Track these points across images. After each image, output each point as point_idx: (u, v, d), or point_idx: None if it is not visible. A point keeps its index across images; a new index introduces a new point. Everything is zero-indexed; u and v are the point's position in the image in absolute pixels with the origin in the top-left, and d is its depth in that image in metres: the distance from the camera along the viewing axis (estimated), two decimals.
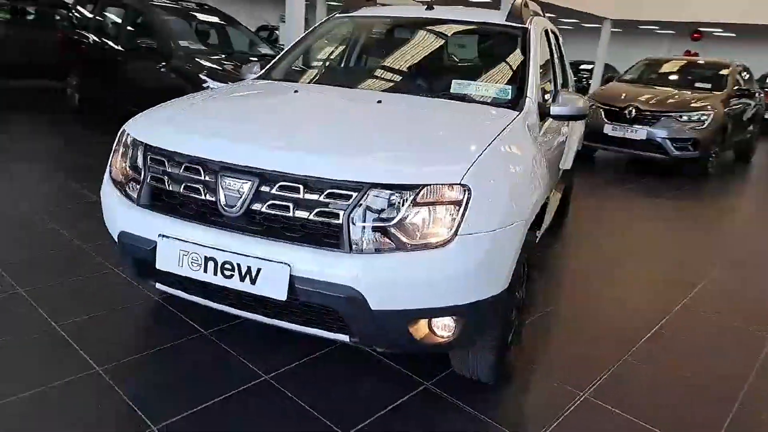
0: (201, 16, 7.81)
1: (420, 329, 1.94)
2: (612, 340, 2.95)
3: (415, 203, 1.83)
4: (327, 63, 3.56)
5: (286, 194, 1.88)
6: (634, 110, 7.46)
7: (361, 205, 1.82)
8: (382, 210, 1.83)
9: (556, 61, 3.61)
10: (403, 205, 1.82)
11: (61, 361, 2.30)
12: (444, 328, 1.97)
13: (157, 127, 2.25)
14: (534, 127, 2.64)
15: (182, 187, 2.03)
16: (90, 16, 7.95)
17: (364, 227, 1.82)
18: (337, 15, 3.61)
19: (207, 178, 1.98)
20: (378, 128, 2.23)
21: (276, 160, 1.90)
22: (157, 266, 2.00)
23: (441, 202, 1.84)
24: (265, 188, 1.90)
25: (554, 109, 2.75)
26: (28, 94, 9.12)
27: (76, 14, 8.31)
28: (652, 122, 7.38)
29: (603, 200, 6.28)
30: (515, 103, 2.69)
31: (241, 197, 1.91)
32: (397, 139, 2.12)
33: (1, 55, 8.45)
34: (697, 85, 8.36)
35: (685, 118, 7.40)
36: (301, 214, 1.87)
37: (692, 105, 7.56)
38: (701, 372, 2.72)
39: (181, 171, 2.03)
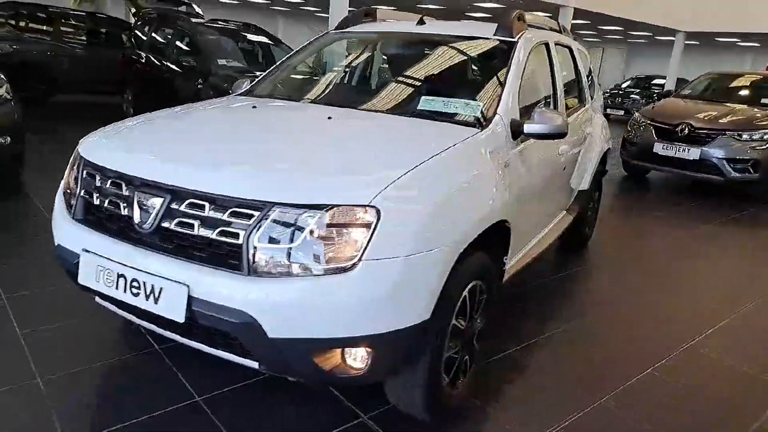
0: (246, 36, 8.07)
1: (329, 360, 1.82)
2: (596, 379, 2.69)
3: (319, 225, 1.73)
4: (305, 79, 3.52)
5: (193, 212, 1.83)
6: (686, 128, 6.95)
7: (263, 225, 1.75)
8: (285, 231, 1.74)
9: (558, 77, 3.38)
10: (306, 227, 1.73)
11: (6, 369, 2.36)
12: (358, 359, 1.85)
13: (96, 142, 2.28)
14: (501, 146, 2.46)
15: (106, 201, 2.03)
16: (145, 37, 8.42)
17: (264, 249, 1.74)
18: (330, 32, 3.58)
19: (126, 194, 1.97)
20: (307, 146, 2.15)
21: (182, 176, 1.86)
22: (79, 280, 2.00)
23: (348, 224, 1.73)
24: (174, 205, 1.86)
25: (527, 128, 2.56)
26: (90, 108, 9.79)
27: (135, 35, 8.82)
28: (706, 141, 6.83)
29: (643, 224, 5.85)
30: (483, 120, 2.52)
31: (152, 213, 1.89)
32: (318, 157, 2.02)
33: (73, 74, 9.20)
34: (764, 101, 7.68)
35: (745, 136, 6.80)
36: (206, 233, 1.81)
37: (755, 123, 6.93)
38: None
39: (106, 186, 2.04)
